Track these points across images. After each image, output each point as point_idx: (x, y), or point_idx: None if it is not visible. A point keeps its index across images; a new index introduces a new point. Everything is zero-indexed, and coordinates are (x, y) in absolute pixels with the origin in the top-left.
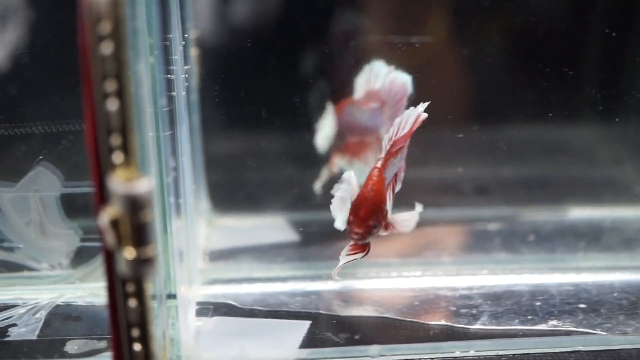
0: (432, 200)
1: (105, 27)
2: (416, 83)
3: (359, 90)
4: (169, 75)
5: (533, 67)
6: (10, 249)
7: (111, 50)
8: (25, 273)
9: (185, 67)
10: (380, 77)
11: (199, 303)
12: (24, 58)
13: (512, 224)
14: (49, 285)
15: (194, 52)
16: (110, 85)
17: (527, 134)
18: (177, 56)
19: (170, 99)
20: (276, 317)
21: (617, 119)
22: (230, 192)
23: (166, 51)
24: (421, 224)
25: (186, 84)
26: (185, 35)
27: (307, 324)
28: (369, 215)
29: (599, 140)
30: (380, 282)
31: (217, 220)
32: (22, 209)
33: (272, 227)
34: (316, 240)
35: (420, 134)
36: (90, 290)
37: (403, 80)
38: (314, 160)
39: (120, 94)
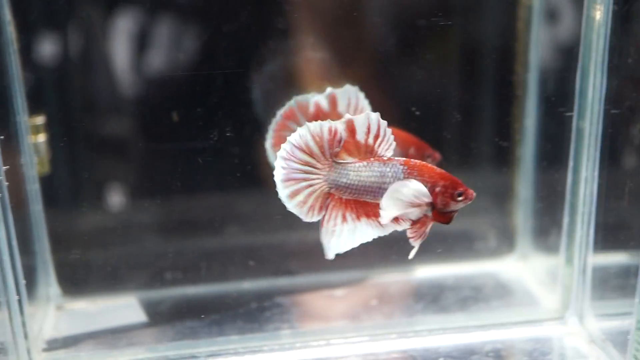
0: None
1: None
2: None
3: None
4: None
5: None
6: None
7: None
8: None
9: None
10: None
11: None
12: None
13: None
14: None
15: (41, 137)
16: None
17: None
18: None
19: None
20: None
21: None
22: (84, 274)
23: None
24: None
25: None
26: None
27: None
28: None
29: None
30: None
31: (67, 305)
32: None
33: (123, 308)
34: (164, 320)
35: None
36: None
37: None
38: (166, 234)
39: None
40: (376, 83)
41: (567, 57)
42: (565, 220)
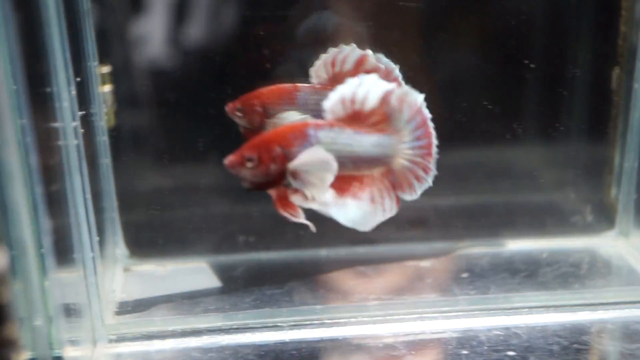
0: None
1: None
2: None
3: (319, 74)
4: (54, 124)
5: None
6: None
7: None
8: None
9: (80, 113)
10: (348, 62)
11: None
12: None
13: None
14: None
15: (107, 88)
16: None
17: (468, 158)
18: (65, 103)
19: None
20: None
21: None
22: (151, 235)
23: (50, 99)
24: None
25: (82, 130)
26: (77, 79)
27: None
28: (249, 148)
29: (542, 165)
30: (302, 332)
31: (135, 267)
32: None
33: (194, 272)
34: (239, 286)
35: None
36: None
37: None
38: (244, 198)
39: None
40: None
41: None
42: None
